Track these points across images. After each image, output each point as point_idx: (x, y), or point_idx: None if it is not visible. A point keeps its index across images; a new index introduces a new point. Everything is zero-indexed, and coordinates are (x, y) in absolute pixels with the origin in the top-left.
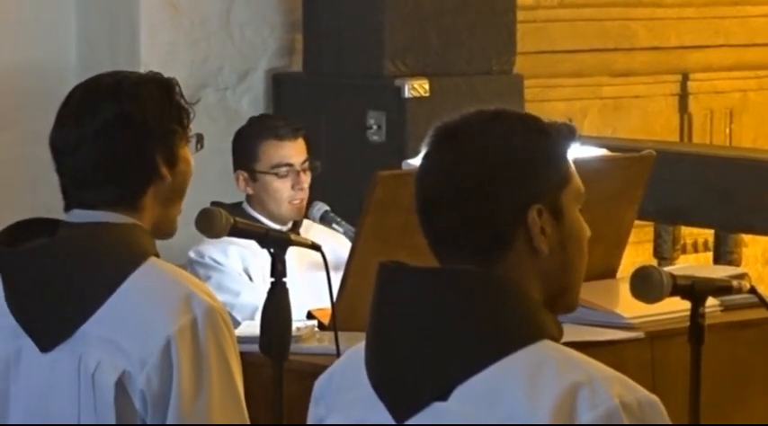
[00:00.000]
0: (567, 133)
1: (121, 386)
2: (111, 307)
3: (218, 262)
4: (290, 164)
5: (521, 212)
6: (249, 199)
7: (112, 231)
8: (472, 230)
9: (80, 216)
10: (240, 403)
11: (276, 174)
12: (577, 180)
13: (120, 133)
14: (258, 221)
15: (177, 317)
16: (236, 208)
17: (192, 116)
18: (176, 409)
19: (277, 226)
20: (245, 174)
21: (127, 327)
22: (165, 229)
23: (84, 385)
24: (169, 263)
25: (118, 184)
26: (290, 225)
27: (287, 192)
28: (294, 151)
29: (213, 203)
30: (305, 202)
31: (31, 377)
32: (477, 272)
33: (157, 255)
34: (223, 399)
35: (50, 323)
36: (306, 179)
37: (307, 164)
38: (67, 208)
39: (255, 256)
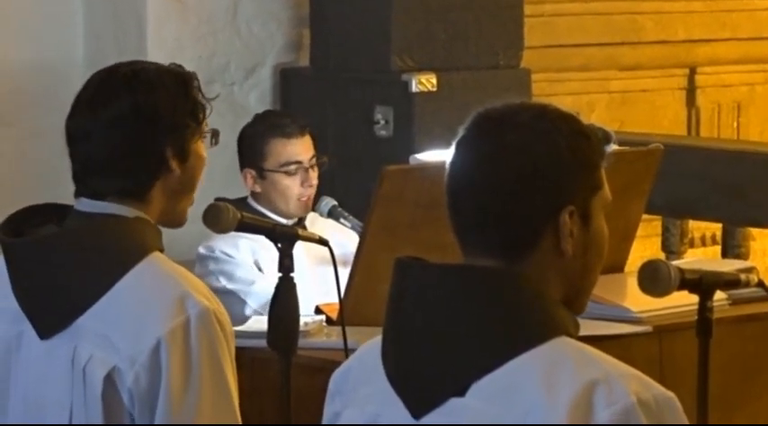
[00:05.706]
0: (604, 138)
1: (111, 381)
2: (107, 303)
3: (229, 255)
4: (298, 162)
5: (554, 212)
6: (255, 195)
7: (116, 225)
8: (502, 224)
9: (88, 205)
10: (232, 405)
11: (286, 172)
12: (607, 187)
13: (131, 125)
14: (264, 215)
15: (170, 318)
16: (240, 203)
17: (209, 111)
18: (164, 410)
19: (283, 221)
20: (253, 172)
21: (120, 324)
22: (173, 221)
23: (76, 376)
24: (170, 261)
25: (125, 176)
26: (295, 219)
27: (296, 189)
28: (302, 148)
29: (217, 199)
30: (312, 199)
31: (30, 363)
32: (497, 269)
33: (161, 250)
34: (214, 401)
35: (50, 312)
36: (314, 175)
37: (314, 160)
38: (77, 194)
39: (265, 249)
